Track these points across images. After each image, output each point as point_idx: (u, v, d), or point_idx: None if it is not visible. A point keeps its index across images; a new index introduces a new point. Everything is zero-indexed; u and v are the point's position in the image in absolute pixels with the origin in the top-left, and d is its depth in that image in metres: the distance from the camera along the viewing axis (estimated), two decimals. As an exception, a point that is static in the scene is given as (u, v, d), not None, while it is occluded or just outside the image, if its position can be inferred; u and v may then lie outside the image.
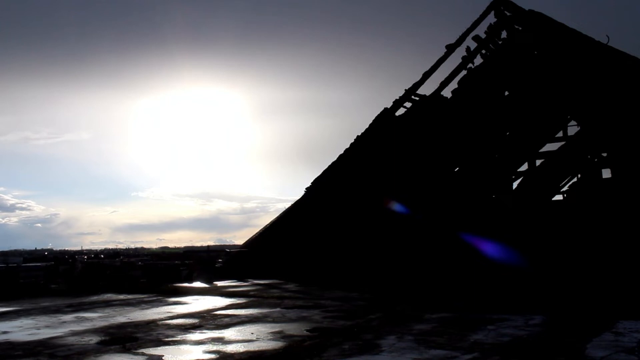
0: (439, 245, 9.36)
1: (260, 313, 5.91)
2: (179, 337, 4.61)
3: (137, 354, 3.98)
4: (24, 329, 5.20)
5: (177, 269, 11.31)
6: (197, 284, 10.07)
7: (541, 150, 11.77)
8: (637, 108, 8.74)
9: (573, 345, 3.89)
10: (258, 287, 9.29)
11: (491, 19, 10.63)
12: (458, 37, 10.57)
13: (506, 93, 10.86)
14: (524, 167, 11.59)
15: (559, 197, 12.15)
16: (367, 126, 10.99)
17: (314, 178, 11.54)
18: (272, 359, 3.79)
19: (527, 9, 10.15)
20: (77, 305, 7.13)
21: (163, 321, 5.54)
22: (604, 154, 9.89)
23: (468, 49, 10.74)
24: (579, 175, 10.25)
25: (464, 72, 10.76)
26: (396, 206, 10.24)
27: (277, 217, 12.71)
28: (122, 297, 8.09)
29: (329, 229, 10.76)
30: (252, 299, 7.40)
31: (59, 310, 6.57)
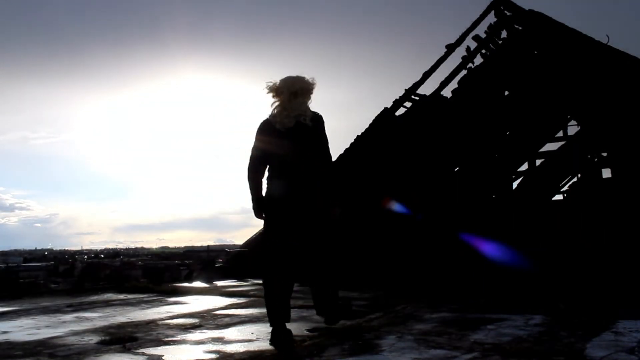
0: (438, 246, 9.35)
1: (260, 313, 5.89)
2: (179, 337, 4.60)
3: (137, 353, 3.97)
4: (24, 329, 5.19)
5: (177, 269, 11.33)
6: (197, 284, 10.07)
7: (541, 150, 11.79)
8: (637, 108, 8.73)
9: (573, 345, 3.89)
10: (258, 287, 9.27)
11: (491, 18, 10.59)
12: (458, 37, 10.53)
13: (506, 93, 10.86)
14: (524, 167, 11.62)
15: (559, 197, 12.18)
16: (367, 126, 10.96)
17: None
18: (272, 358, 3.79)
19: (527, 9, 10.13)
20: (77, 305, 7.12)
21: (163, 321, 5.54)
22: (604, 154, 9.89)
23: (468, 48, 10.71)
24: (579, 175, 10.25)
25: (464, 72, 10.74)
26: (396, 206, 10.23)
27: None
28: (122, 297, 8.08)
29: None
30: (252, 298, 7.39)
31: (59, 310, 6.56)
